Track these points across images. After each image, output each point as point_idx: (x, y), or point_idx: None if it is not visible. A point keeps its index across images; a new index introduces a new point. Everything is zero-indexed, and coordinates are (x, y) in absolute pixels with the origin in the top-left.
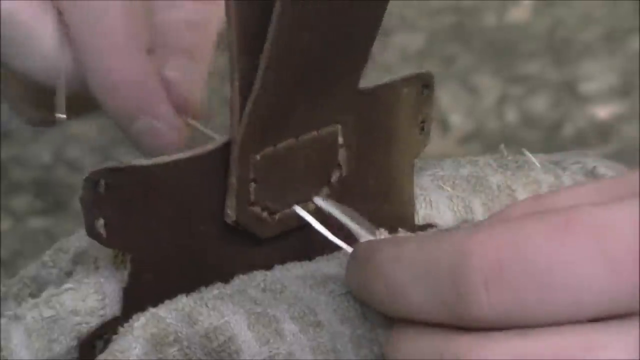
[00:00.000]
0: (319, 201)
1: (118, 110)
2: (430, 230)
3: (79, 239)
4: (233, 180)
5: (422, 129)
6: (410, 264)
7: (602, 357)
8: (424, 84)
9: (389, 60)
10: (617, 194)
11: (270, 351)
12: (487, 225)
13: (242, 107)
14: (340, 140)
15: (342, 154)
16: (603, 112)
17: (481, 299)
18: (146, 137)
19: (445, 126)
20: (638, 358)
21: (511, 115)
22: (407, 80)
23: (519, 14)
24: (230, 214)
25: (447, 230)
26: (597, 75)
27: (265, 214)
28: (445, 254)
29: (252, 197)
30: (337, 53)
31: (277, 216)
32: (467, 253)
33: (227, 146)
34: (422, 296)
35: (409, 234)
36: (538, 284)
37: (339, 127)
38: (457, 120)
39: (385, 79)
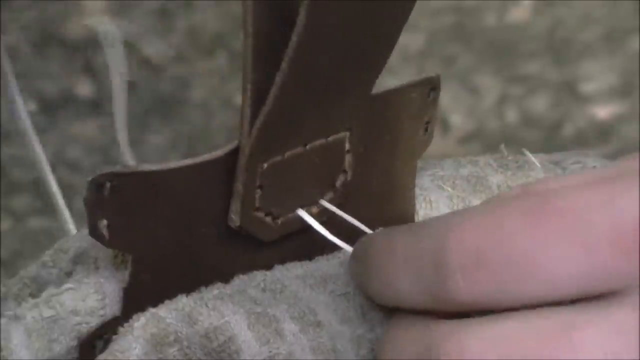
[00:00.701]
0: (326, 204)
1: None
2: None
3: (79, 239)
4: (239, 186)
5: (426, 129)
6: (398, 252)
7: (581, 337)
8: (432, 87)
9: (389, 60)
10: (602, 181)
11: (270, 351)
12: (468, 211)
13: (253, 118)
14: (347, 146)
15: (347, 159)
16: (603, 112)
17: (458, 283)
18: None
19: (445, 126)
20: (616, 337)
21: (511, 115)
22: (416, 85)
23: (519, 14)
24: (235, 218)
25: (434, 217)
26: (597, 75)
27: (268, 219)
28: (427, 240)
29: (257, 203)
30: (354, 64)
31: (280, 220)
32: (446, 238)
33: (234, 152)
34: (408, 283)
35: None
36: (514, 267)
37: (347, 133)
38: (457, 120)
39: (390, 82)
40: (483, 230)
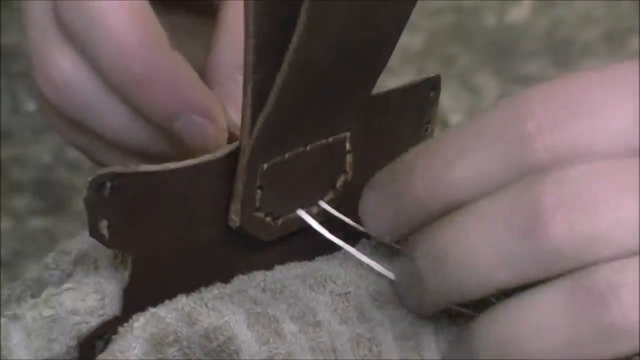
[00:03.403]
0: (325, 206)
1: (152, 109)
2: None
3: (81, 241)
4: (239, 187)
5: (426, 129)
6: (466, 134)
7: None
8: (432, 87)
9: (389, 60)
10: None
11: (270, 351)
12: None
13: (254, 119)
14: (348, 146)
15: (348, 160)
16: None
17: (538, 144)
18: (188, 134)
19: (445, 126)
20: None
21: None
22: (416, 85)
23: (519, 14)
24: (235, 219)
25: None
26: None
27: (268, 219)
28: (496, 119)
29: (257, 203)
30: (354, 64)
31: (280, 220)
32: (520, 105)
33: (234, 153)
34: (490, 154)
35: None
36: (588, 119)
37: (348, 134)
38: (457, 120)
39: (390, 82)
40: (553, 91)
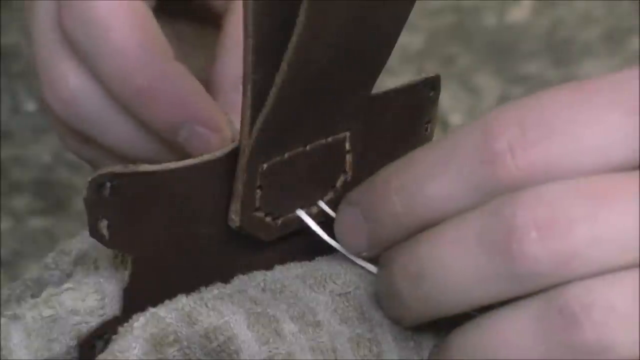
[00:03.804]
0: (324, 206)
1: (156, 120)
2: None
3: (81, 241)
4: (239, 186)
5: (426, 129)
6: (435, 158)
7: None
8: (432, 87)
9: (389, 60)
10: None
11: (270, 351)
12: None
13: (253, 119)
14: (347, 146)
15: (348, 159)
16: None
17: (507, 162)
18: (192, 145)
19: (445, 126)
20: None
21: None
22: (416, 85)
23: (519, 14)
24: (235, 219)
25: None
26: (597, 75)
27: (268, 219)
28: (467, 138)
29: (257, 203)
30: (354, 64)
31: (279, 220)
32: (487, 126)
33: (234, 153)
34: (455, 181)
35: None
36: (559, 137)
37: (348, 134)
38: (457, 120)
39: (390, 82)
40: (524, 109)
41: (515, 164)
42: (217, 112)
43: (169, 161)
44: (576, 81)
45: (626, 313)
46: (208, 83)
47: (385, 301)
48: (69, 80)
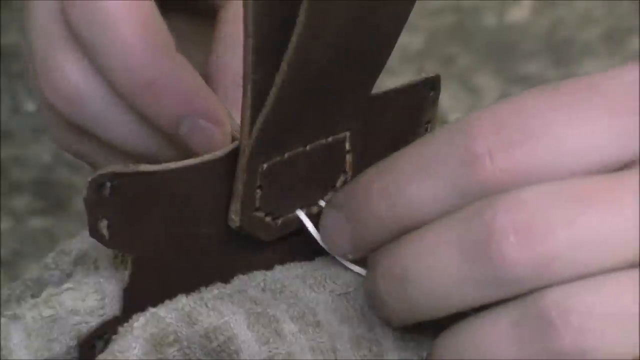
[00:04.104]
0: (324, 204)
1: (158, 114)
2: None
3: (81, 241)
4: (239, 186)
5: (426, 129)
6: (417, 161)
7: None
8: (431, 87)
9: (389, 60)
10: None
11: (270, 351)
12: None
13: (253, 119)
14: (347, 146)
15: (348, 159)
16: None
17: (486, 166)
18: (194, 139)
19: None
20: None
21: None
22: (416, 85)
23: (519, 14)
24: (235, 219)
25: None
26: None
27: (268, 219)
28: (448, 139)
29: (257, 203)
30: (354, 64)
31: (280, 220)
32: (468, 127)
33: (234, 153)
34: (437, 184)
35: None
36: (538, 140)
37: (348, 134)
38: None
39: (390, 82)
40: (503, 112)
41: (495, 166)
42: (218, 106)
43: (168, 156)
44: (556, 82)
45: (605, 317)
46: (205, 78)
47: (372, 302)
48: (71, 73)
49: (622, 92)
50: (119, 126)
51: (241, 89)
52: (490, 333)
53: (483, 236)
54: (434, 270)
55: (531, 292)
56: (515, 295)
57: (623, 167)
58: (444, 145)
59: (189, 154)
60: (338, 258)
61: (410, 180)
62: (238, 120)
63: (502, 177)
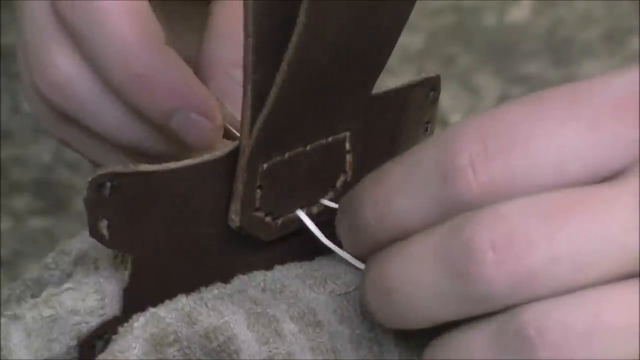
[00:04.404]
0: (327, 202)
1: (149, 107)
2: None
3: (81, 241)
4: (239, 186)
5: (426, 129)
6: (400, 170)
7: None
8: (432, 87)
9: (389, 60)
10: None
11: (270, 351)
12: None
13: (253, 119)
14: (347, 146)
15: (348, 159)
16: None
17: (469, 179)
18: (186, 131)
19: (445, 126)
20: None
21: None
22: (416, 85)
23: (519, 14)
24: (235, 219)
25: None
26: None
27: (268, 219)
28: (430, 151)
29: (257, 203)
30: (354, 64)
31: (280, 220)
32: (450, 140)
33: (234, 153)
34: (413, 196)
35: None
36: (520, 152)
37: (348, 134)
38: (457, 120)
39: (390, 82)
40: (485, 124)
41: (476, 179)
42: (210, 99)
43: (159, 147)
44: (537, 92)
45: (582, 334)
46: (196, 67)
47: (365, 307)
48: (62, 64)
49: (603, 102)
50: (110, 117)
51: (232, 81)
52: (469, 347)
53: (461, 253)
54: (415, 283)
55: (509, 308)
56: (492, 312)
57: (615, 174)
58: (428, 157)
59: (180, 145)
60: (344, 256)
61: (396, 191)
62: (229, 109)
63: (483, 190)
